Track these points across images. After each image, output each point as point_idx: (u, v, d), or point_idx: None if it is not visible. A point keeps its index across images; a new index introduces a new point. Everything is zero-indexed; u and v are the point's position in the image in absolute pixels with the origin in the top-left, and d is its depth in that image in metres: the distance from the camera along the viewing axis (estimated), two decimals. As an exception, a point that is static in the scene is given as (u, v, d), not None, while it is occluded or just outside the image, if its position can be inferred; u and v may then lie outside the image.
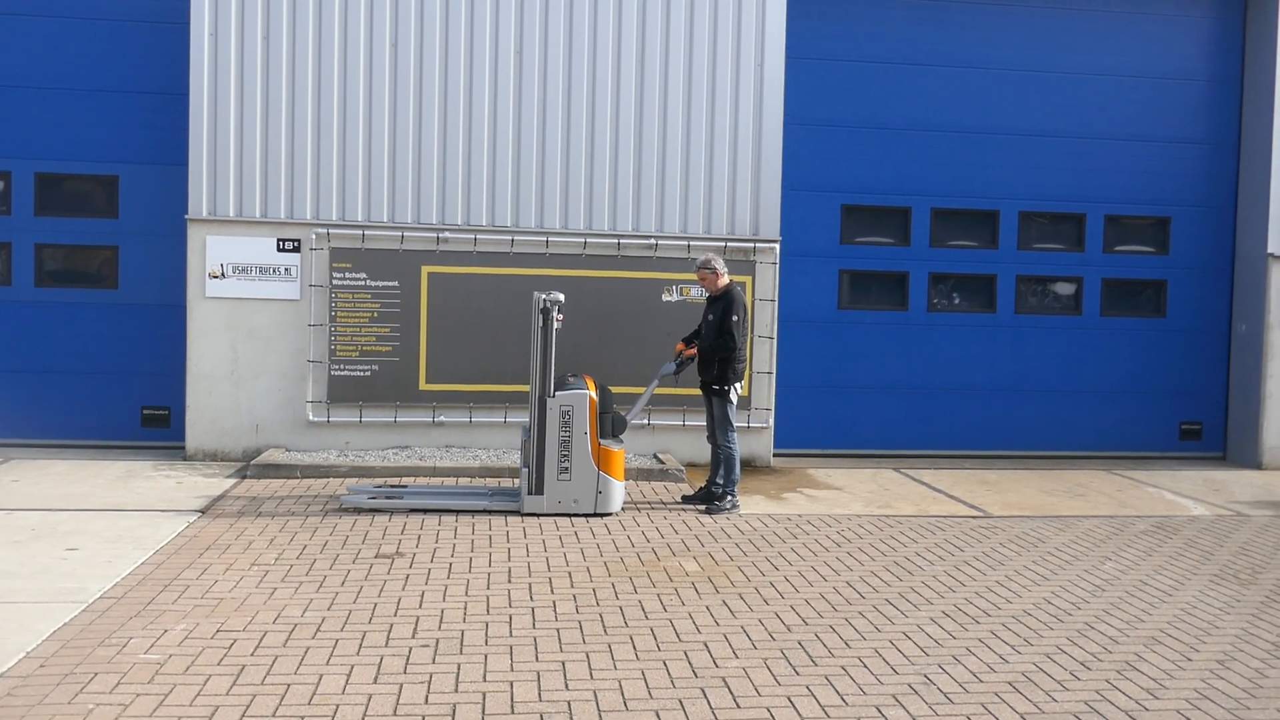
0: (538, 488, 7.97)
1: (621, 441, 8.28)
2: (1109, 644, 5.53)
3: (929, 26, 11.14)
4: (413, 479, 9.16)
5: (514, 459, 9.58)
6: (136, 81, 10.22)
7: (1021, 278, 11.46)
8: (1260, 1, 11.37)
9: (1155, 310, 11.69)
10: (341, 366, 9.90)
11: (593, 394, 8.02)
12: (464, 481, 9.17)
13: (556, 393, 7.98)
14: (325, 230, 9.84)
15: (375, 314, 9.92)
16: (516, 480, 9.14)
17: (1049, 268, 11.52)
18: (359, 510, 7.96)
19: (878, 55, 11.10)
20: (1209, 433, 11.82)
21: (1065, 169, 11.42)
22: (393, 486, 8.59)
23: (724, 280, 8.46)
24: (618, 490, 8.09)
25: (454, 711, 4.41)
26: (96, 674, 4.68)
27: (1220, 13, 11.57)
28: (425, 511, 7.98)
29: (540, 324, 7.95)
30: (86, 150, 10.23)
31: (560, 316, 8.01)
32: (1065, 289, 11.60)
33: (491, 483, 9.11)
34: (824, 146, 11.02)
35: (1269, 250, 11.16)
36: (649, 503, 8.59)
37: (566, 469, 7.97)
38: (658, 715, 4.45)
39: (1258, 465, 11.28)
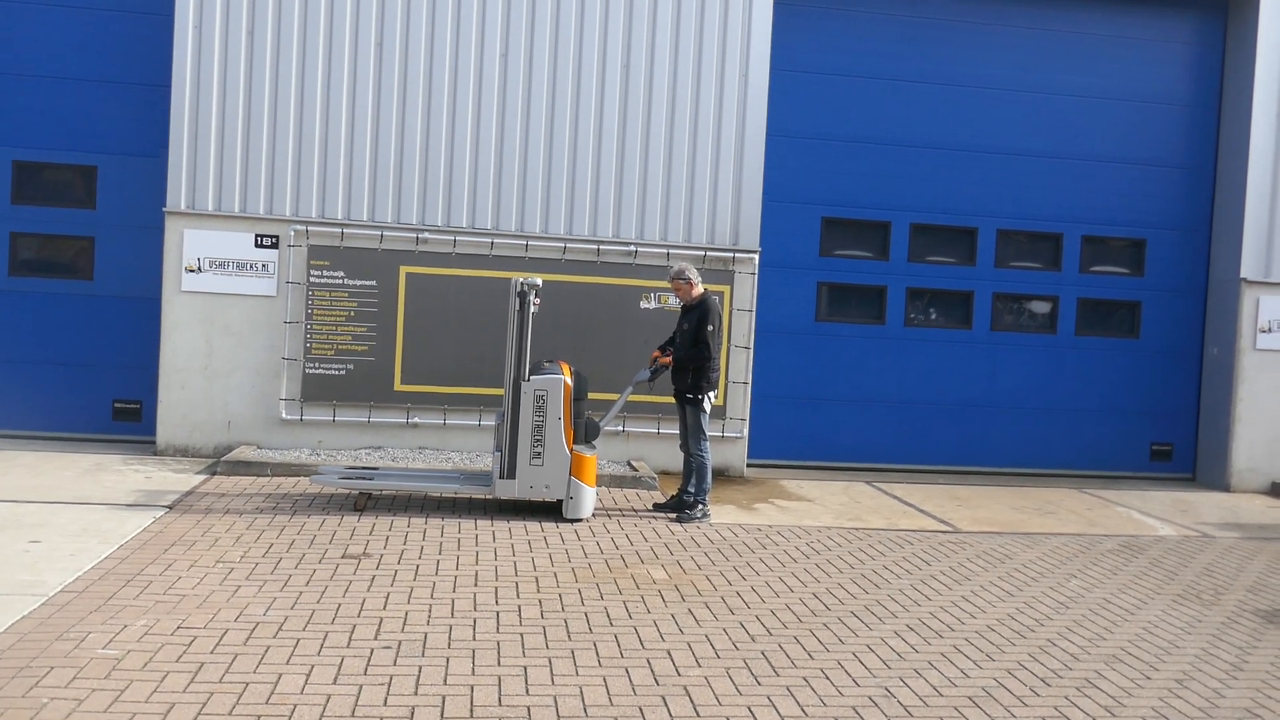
0: (510, 472, 7.96)
1: (594, 447, 8.28)
2: (1070, 661, 5.57)
3: (913, 43, 11.21)
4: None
5: (488, 463, 9.57)
6: (118, 72, 10.17)
7: (998, 295, 11.53)
8: (1239, 28, 11.50)
9: (1129, 331, 11.78)
10: (316, 365, 9.86)
11: (567, 379, 8.02)
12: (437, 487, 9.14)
13: (531, 377, 7.98)
14: (304, 227, 9.81)
15: (352, 313, 9.89)
16: (489, 465, 9.17)
17: (1026, 286, 11.59)
18: (337, 479, 7.97)
19: (862, 70, 11.15)
20: (1179, 454, 11.91)
21: (1044, 188, 11.50)
22: (364, 468, 8.61)
23: (698, 290, 8.48)
24: (589, 496, 8.08)
25: (412, 714, 4.40)
26: (52, 668, 4.64)
27: (1199, 38, 11.69)
28: (396, 495, 8.00)
29: (517, 307, 7.95)
30: (66, 140, 10.16)
31: (537, 300, 8.02)
32: (1041, 307, 11.67)
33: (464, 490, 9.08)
34: (806, 159, 11.06)
35: (1242, 275, 11.28)
36: (620, 509, 8.59)
37: (539, 454, 7.96)
38: (617, 722, 4.46)
39: (1226, 487, 11.37)
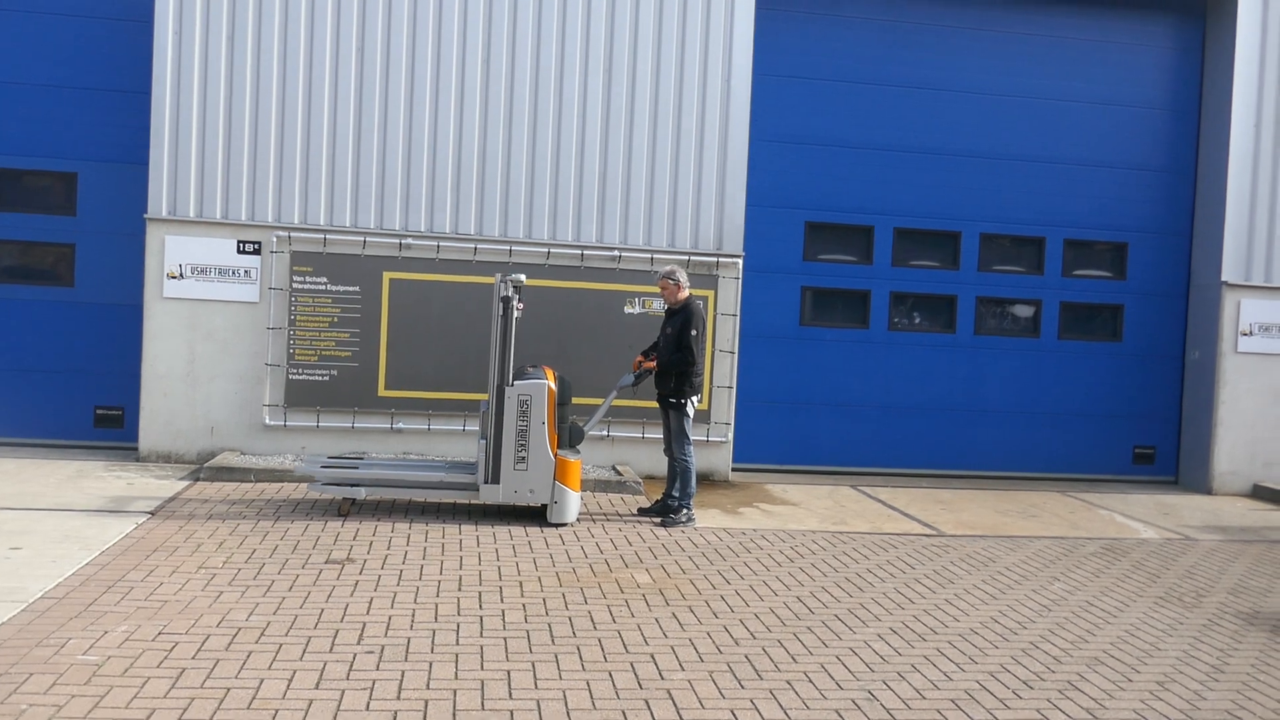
0: (494, 477, 7.95)
1: (579, 452, 8.27)
2: (1052, 663, 5.58)
3: (897, 48, 11.26)
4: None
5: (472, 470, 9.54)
6: (98, 79, 10.13)
7: (981, 299, 11.57)
8: (1217, 34, 11.59)
9: (1112, 334, 11.84)
10: (300, 370, 9.83)
11: (551, 384, 8.02)
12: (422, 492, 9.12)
13: (515, 382, 7.97)
14: (286, 233, 9.78)
15: (335, 319, 9.86)
16: (474, 456, 9.18)
17: (1009, 290, 11.64)
18: (321, 484, 7.95)
19: (845, 74, 11.19)
20: (1161, 457, 11.97)
21: (1027, 192, 11.56)
22: (350, 456, 8.58)
23: (684, 293, 8.49)
24: (573, 500, 8.07)
25: (394, 718, 4.38)
26: (32, 674, 4.61)
27: (1179, 43, 11.78)
28: (380, 501, 7.97)
29: (500, 311, 7.94)
30: (45, 146, 10.12)
31: (521, 305, 8.02)
32: (1024, 311, 11.72)
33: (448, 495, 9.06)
34: (789, 163, 11.09)
35: (1223, 278, 11.35)
36: (605, 514, 8.58)
37: (524, 458, 7.95)
38: (600, 726, 4.45)
39: (1208, 490, 11.43)
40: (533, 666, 5.06)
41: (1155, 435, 11.96)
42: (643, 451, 10.30)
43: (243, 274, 9.76)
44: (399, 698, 4.60)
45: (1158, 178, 11.79)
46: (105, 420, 10.28)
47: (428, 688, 4.73)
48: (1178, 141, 11.81)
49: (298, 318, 9.81)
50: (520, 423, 7.95)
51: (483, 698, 4.65)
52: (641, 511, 8.65)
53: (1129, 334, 11.83)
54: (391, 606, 5.84)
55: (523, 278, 8.02)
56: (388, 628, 5.49)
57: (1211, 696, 5.23)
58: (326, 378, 9.86)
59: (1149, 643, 6.03)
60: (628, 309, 10.26)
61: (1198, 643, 6.08)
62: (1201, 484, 11.55)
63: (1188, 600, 7.00)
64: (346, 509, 7.99)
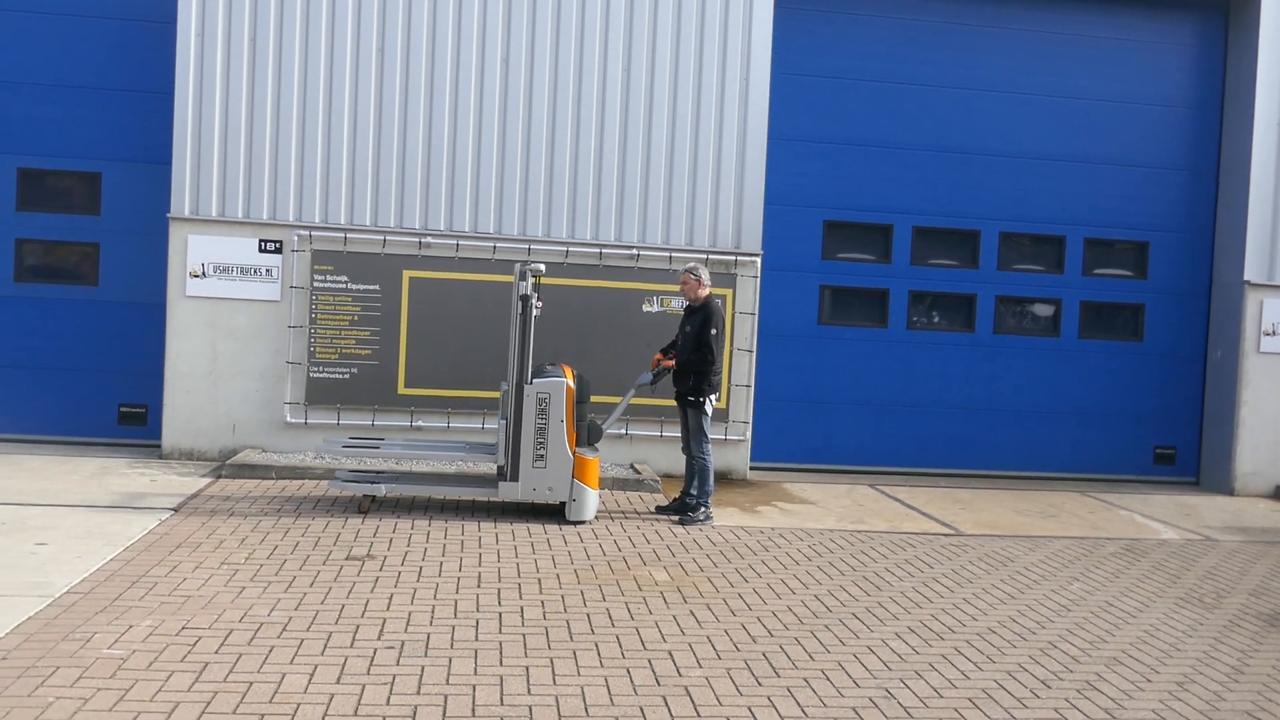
0: (513, 474, 7.99)
1: (597, 450, 8.30)
2: (1071, 663, 5.58)
3: (914, 46, 11.24)
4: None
5: (491, 466, 9.58)
6: (122, 79, 10.23)
7: (1001, 298, 11.54)
8: (1241, 30, 11.52)
9: (1132, 334, 11.78)
10: (320, 369, 9.90)
11: (570, 382, 8.05)
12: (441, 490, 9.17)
13: (534, 380, 8.00)
14: (307, 232, 9.85)
15: (355, 317, 9.92)
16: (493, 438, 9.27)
17: (1028, 289, 11.61)
18: (342, 481, 8.07)
19: (864, 73, 11.18)
20: (1183, 457, 11.90)
21: (1047, 191, 11.52)
22: (370, 438, 8.67)
23: (705, 291, 8.50)
24: (592, 498, 8.10)
25: (415, 713, 4.42)
26: (58, 668, 4.67)
27: (1201, 40, 11.71)
28: (399, 475, 8.03)
29: (519, 310, 7.98)
30: (70, 147, 10.22)
31: (539, 304, 8.06)
32: (1044, 310, 11.68)
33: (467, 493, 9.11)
34: (807, 162, 11.09)
35: (1245, 277, 11.28)
36: (623, 512, 8.61)
37: (542, 456, 7.99)
38: (618, 722, 4.48)
39: (1230, 491, 11.36)
40: (551, 663, 5.10)
41: (1176, 435, 11.89)
42: (661, 450, 10.33)
43: (264, 273, 9.84)
44: (419, 693, 4.64)
45: (1179, 176, 11.73)
46: (129, 418, 10.38)
47: (447, 683, 4.77)
48: (1200, 139, 11.74)
49: (318, 316, 9.88)
50: (539, 421, 7.99)
51: (502, 693, 4.69)
52: (659, 509, 8.68)
53: (1150, 333, 11.78)
54: (411, 602, 5.89)
55: (542, 267, 8.07)
56: (408, 623, 5.54)
57: (1231, 697, 5.22)
58: (347, 376, 9.93)
59: (1169, 643, 6.01)
60: (646, 307, 10.28)
61: (1218, 644, 6.06)
62: (1223, 485, 11.48)
63: (1208, 601, 6.97)
64: (366, 506, 8.05)
